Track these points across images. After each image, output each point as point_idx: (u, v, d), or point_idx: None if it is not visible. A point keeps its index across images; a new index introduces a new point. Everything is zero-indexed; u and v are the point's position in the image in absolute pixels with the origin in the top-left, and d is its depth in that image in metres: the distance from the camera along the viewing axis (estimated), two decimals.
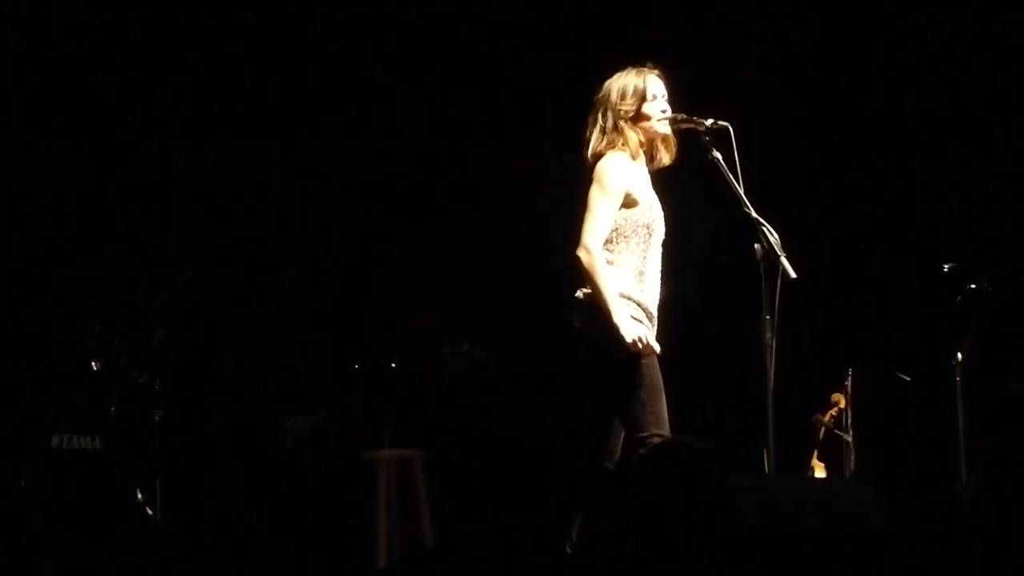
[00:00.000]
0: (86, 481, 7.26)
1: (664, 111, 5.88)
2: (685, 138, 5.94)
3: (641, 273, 5.81)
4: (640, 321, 5.76)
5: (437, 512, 7.14)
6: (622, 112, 5.83)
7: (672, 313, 6.04)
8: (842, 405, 7.81)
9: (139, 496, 7.46)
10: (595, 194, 5.77)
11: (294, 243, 7.58)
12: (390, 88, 8.77)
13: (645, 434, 5.63)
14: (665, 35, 8.08)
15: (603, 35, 8.14)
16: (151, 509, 7.44)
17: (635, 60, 5.96)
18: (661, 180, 6.02)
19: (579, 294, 5.79)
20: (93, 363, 7.63)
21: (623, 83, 5.87)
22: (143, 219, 8.30)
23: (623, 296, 5.72)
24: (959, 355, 7.11)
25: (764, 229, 5.73)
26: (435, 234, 8.57)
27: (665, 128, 5.88)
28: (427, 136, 8.66)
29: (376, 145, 8.72)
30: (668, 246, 5.97)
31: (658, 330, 5.86)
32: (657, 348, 5.74)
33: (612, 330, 5.63)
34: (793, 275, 5.65)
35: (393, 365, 7.89)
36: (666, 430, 5.65)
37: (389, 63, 8.77)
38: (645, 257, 5.83)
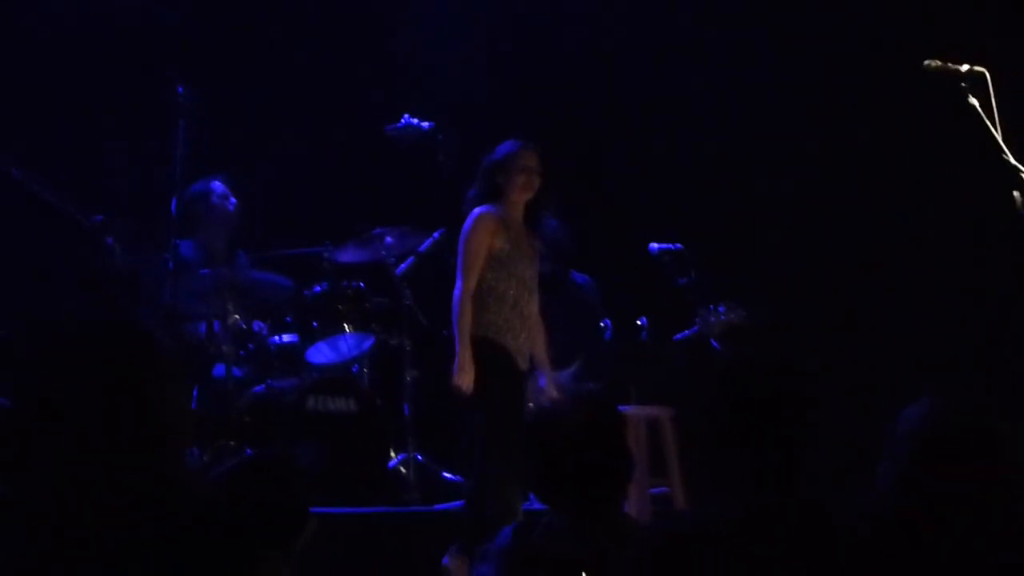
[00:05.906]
0: (342, 443, 7.34)
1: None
2: (941, 84, 5.75)
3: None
4: None
5: (687, 472, 7.08)
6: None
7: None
8: None
9: (393, 456, 7.54)
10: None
11: None
12: None
13: None
14: None
15: None
16: (404, 469, 7.50)
17: None
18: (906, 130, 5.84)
19: None
20: (346, 325, 7.70)
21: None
22: None
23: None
24: None
25: None
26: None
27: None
28: None
29: None
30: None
31: None
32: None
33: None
34: None
35: (639, 323, 7.81)
36: None
37: None
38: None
